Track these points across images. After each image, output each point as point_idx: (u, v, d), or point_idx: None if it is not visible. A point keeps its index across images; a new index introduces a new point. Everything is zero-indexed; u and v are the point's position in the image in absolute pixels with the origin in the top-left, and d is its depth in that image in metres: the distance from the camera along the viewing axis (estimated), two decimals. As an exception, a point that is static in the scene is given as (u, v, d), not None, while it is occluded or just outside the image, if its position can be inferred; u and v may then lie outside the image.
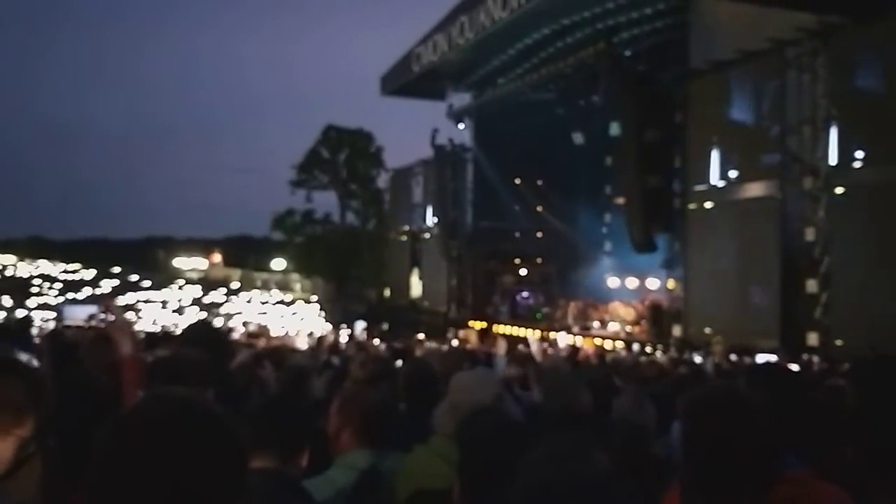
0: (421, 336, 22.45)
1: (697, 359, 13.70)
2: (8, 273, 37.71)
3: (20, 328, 8.13)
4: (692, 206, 17.92)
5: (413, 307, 32.02)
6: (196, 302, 40.31)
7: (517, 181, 26.76)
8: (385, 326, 27.69)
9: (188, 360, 3.17)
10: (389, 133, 66.66)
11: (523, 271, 27.85)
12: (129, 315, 32.79)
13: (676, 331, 18.21)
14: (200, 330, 4.14)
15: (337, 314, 37.51)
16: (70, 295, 35.85)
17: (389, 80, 31.58)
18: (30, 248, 52.57)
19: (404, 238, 33.89)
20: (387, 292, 37.30)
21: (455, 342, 22.71)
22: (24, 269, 39.11)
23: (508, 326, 24.67)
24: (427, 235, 31.22)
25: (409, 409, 3.71)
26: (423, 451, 2.92)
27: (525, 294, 26.64)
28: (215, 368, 3.31)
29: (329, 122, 51.89)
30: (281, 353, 9.23)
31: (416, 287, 32.78)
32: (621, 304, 21.90)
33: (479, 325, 26.39)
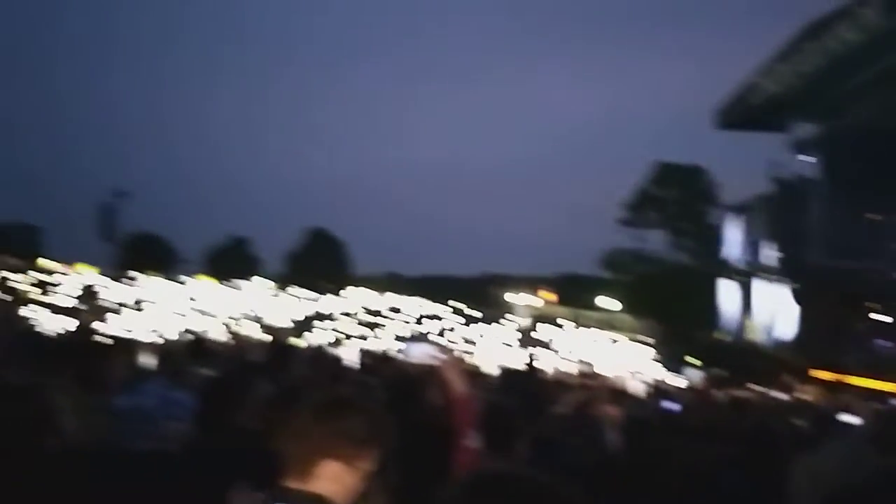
0: (758, 386, 20.98)
1: None
2: (365, 305, 42.07)
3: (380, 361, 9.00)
4: None
5: (748, 351, 30.10)
6: (527, 339, 41.73)
7: (872, 217, 24.13)
8: (720, 372, 26.34)
9: (508, 410, 3.25)
10: (723, 167, 63.93)
11: (880, 316, 24.89)
12: (467, 351, 34.88)
13: None
14: (520, 379, 4.18)
15: (668, 356, 36.46)
16: (416, 329, 39.07)
17: (725, 114, 30.45)
18: (385, 284, 58.39)
19: (740, 277, 32.12)
20: (720, 334, 35.53)
21: (798, 393, 20.87)
22: (380, 302, 43.39)
23: (863, 378, 22.13)
24: (765, 274, 29.28)
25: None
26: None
27: (884, 342, 23.77)
28: (533, 417, 3.36)
29: (658, 158, 51.22)
30: (615, 395, 9.19)
31: (751, 330, 30.83)
32: None
33: (825, 374, 24.01)
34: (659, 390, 15.02)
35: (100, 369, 3.97)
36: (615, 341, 44.47)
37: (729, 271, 33.39)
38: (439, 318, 42.10)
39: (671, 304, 44.10)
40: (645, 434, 4.63)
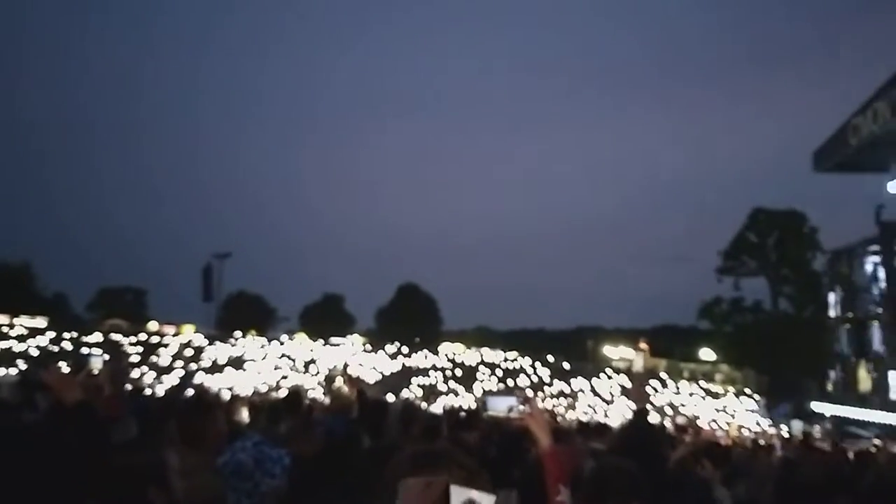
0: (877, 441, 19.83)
1: None
2: (457, 359, 42.00)
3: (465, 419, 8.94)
4: None
5: (862, 403, 28.56)
6: (624, 392, 40.81)
7: None
8: (828, 426, 25.06)
9: (620, 473, 3.18)
10: (824, 211, 61.75)
11: None
12: (561, 405, 34.31)
13: None
14: (638, 438, 4.02)
15: (772, 409, 34.99)
16: (509, 382, 38.71)
17: (823, 156, 29.53)
18: (476, 338, 58.30)
19: (849, 325, 30.66)
20: (829, 385, 33.86)
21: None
22: (471, 357, 43.26)
23: None
24: (877, 322, 27.88)
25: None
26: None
27: None
28: (647, 480, 3.27)
29: (755, 204, 49.88)
30: (720, 450, 8.85)
31: (864, 380, 29.26)
32: None
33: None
34: (766, 444, 14.40)
35: (203, 427, 4.07)
36: (715, 393, 42.97)
37: (839, 319, 31.91)
38: (531, 372, 41.63)
39: (775, 356, 42.41)
40: (758, 489, 4.42)
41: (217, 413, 4.43)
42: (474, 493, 1.98)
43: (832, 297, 33.65)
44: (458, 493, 1.98)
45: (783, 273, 46.77)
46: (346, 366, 28.68)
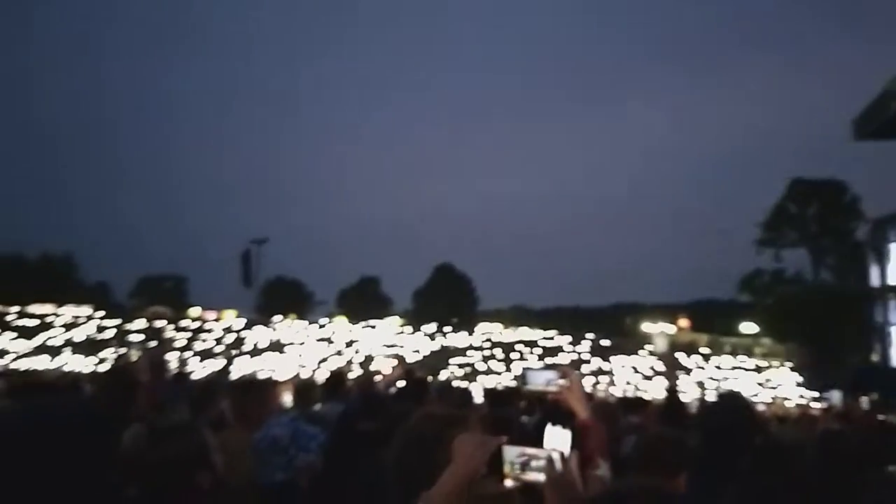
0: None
1: None
2: (495, 339, 42.04)
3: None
4: None
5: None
6: (669, 367, 40.54)
7: None
8: (874, 397, 24.64)
9: (667, 444, 3.17)
10: (866, 180, 60.40)
11: None
12: (600, 382, 34.23)
13: None
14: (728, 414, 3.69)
15: (816, 382, 34.47)
16: (548, 360, 38.66)
17: (863, 124, 28.87)
18: (512, 317, 58.31)
19: (892, 295, 30.07)
20: (874, 356, 33.29)
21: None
22: (508, 335, 43.24)
23: None
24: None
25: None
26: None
27: None
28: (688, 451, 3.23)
29: (794, 174, 49.00)
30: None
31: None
32: None
33: None
34: (809, 416, 14.24)
35: (254, 406, 4.23)
36: (757, 368, 42.51)
37: (883, 289, 31.27)
38: (570, 350, 41.53)
39: (818, 328, 41.79)
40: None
41: (269, 393, 4.63)
42: (528, 450, 1.99)
43: (875, 267, 32.99)
44: (511, 451, 2.00)
45: (824, 243, 45.98)
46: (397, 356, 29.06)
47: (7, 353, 26.31)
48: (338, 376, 6.92)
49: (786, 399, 32.40)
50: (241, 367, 25.23)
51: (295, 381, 9.58)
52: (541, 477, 1.93)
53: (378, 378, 5.62)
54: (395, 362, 6.31)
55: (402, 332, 39.20)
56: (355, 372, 17.98)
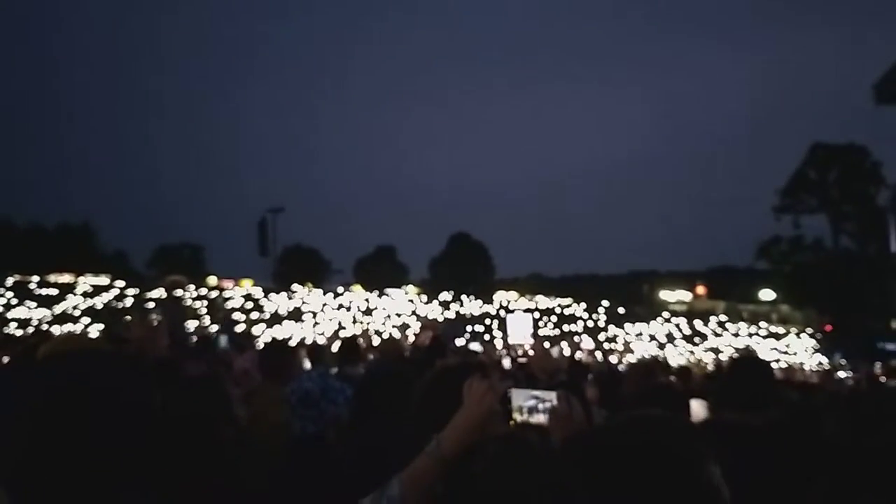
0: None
1: None
2: (511, 307, 42.00)
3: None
4: None
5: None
6: (683, 335, 40.44)
7: None
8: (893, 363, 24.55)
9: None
10: (888, 145, 59.60)
11: None
12: (615, 350, 34.22)
13: None
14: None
15: (835, 349, 34.32)
16: (565, 327, 38.67)
17: (885, 88, 28.34)
18: (529, 285, 58.32)
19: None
20: (894, 323, 33.09)
21: None
22: (524, 304, 43.20)
23: None
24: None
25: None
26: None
27: None
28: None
29: (814, 139, 48.38)
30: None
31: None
32: None
33: None
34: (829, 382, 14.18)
35: (283, 363, 4.62)
36: (775, 334, 42.36)
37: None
38: (586, 318, 41.51)
39: (838, 295, 41.51)
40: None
41: (296, 353, 5.13)
42: (537, 392, 2.03)
43: (896, 233, 32.62)
44: (519, 394, 2.05)
45: (845, 209, 45.50)
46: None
47: (31, 321, 26.59)
48: (350, 342, 6.99)
49: (802, 365, 32.28)
50: (259, 335, 25.40)
51: (312, 346, 9.65)
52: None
53: (408, 342, 5.85)
54: (429, 331, 6.41)
55: (416, 301, 39.28)
56: (374, 340, 18.05)
